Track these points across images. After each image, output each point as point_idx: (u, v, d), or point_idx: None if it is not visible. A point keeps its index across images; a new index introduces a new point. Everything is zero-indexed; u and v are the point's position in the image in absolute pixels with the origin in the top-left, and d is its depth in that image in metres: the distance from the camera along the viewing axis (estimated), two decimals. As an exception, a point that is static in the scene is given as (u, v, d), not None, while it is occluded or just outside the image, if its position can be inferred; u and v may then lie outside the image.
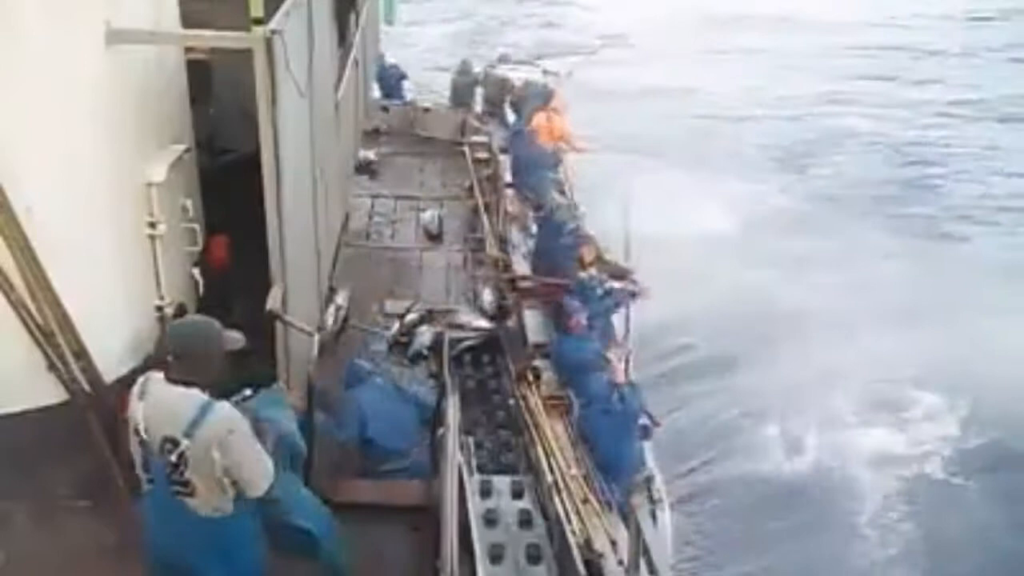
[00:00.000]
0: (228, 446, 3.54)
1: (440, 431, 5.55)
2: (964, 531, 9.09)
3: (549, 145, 11.39)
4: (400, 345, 7.78)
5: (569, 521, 5.54)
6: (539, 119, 11.96)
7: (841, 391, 10.83)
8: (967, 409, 10.50)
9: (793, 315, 11.53)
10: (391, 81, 13.84)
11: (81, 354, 4.74)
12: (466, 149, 11.66)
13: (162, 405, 3.59)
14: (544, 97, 12.62)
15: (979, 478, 9.79)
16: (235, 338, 3.80)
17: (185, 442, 3.51)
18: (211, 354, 3.67)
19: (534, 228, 9.59)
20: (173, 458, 3.53)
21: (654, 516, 6.02)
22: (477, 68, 14.01)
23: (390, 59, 14.10)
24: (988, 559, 8.76)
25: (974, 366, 10.59)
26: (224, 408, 3.59)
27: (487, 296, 8.52)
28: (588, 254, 8.46)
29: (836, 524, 9.31)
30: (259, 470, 3.67)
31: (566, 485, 5.89)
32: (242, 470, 3.61)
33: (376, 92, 13.33)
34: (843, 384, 10.87)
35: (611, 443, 6.55)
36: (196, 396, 3.57)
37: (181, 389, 3.59)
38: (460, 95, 13.66)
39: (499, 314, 8.29)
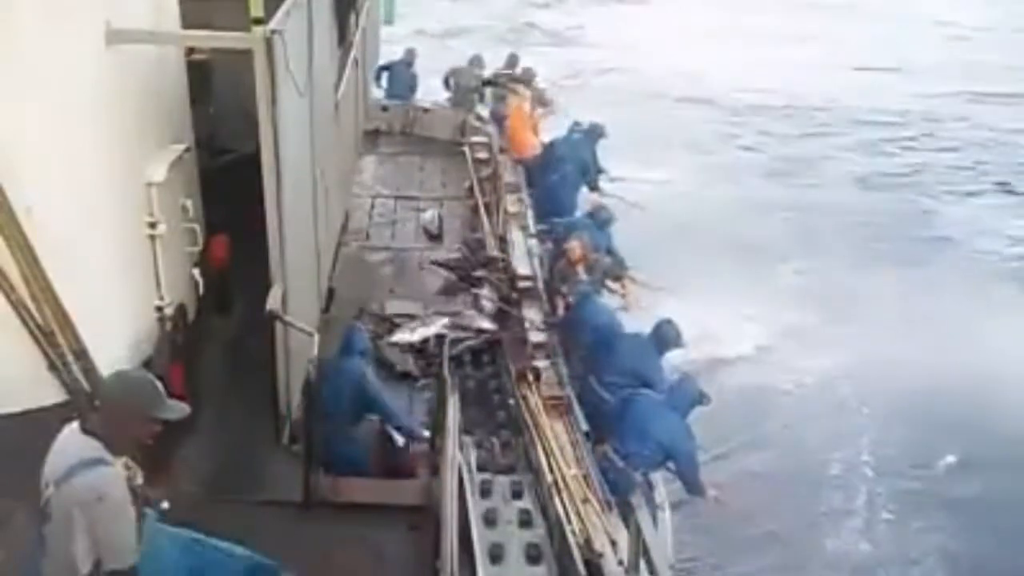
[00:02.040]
0: (95, 513, 3.18)
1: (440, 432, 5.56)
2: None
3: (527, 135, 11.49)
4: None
5: (569, 521, 5.54)
6: (516, 108, 12.04)
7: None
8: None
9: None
10: (402, 78, 13.66)
11: (81, 354, 4.74)
12: (466, 149, 11.65)
13: (59, 446, 3.30)
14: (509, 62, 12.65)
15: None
16: (177, 408, 3.40)
17: (51, 490, 3.21)
18: (131, 414, 3.27)
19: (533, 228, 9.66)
20: (42, 503, 3.25)
21: (654, 516, 6.02)
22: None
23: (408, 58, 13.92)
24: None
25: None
26: (105, 472, 3.21)
27: (487, 296, 8.53)
28: (576, 250, 8.47)
29: (835, 525, 9.32)
30: (124, 543, 3.27)
31: (566, 485, 5.89)
32: (108, 538, 3.23)
33: (383, 90, 13.24)
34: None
35: (675, 427, 6.79)
36: (89, 448, 3.22)
37: (82, 437, 3.26)
38: (461, 82, 13.49)
39: (500, 314, 8.30)
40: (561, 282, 8.43)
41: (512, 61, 13.79)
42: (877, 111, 20.96)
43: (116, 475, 3.26)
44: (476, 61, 13.71)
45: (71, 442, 3.28)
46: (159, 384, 3.37)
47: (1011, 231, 15.55)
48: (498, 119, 12.57)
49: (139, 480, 3.47)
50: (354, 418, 6.05)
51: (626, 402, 6.99)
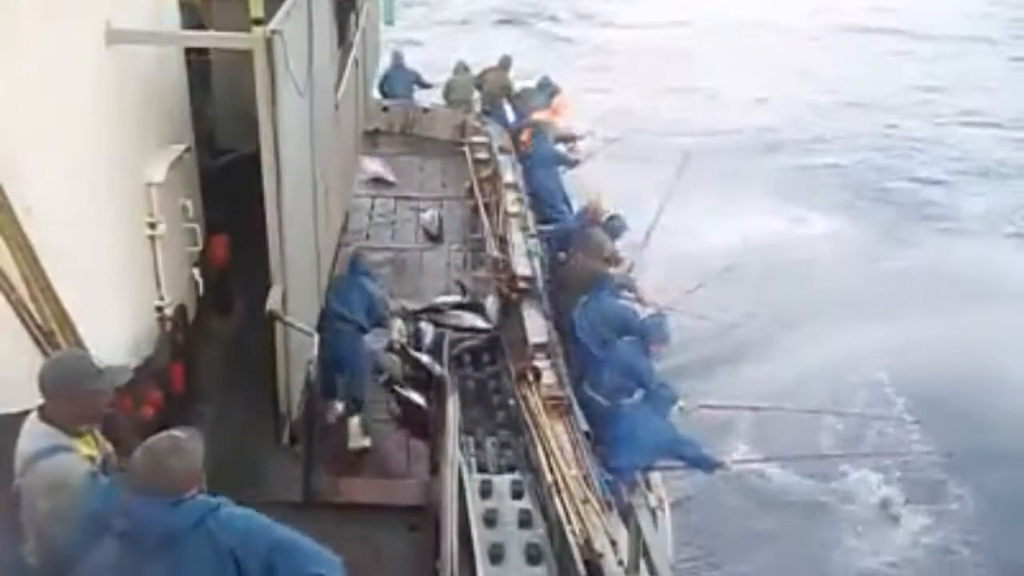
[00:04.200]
0: (57, 500, 3.19)
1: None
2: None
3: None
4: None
5: (569, 521, 5.54)
6: (540, 118, 12.00)
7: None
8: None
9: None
10: (400, 80, 13.69)
11: (81, 354, 4.73)
12: (466, 149, 11.66)
13: (23, 436, 3.35)
14: (547, 96, 12.63)
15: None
16: (115, 374, 3.47)
17: (19, 480, 3.26)
18: (73, 393, 3.32)
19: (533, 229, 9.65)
20: (14, 491, 3.29)
21: (654, 516, 6.02)
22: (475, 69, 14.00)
23: (407, 61, 14.03)
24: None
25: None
26: (63, 459, 3.25)
27: (488, 297, 8.53)
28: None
29: (834, 525, 9.32)
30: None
31: (566, 485, 5.89)
32: (72, 522, 3.14)
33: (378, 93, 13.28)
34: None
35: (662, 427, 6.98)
36: (46, 436, 3.28)
37: (42, 425, 3.32)
38: (457, 95, 13.59)
39: (500, 314, 8.30)
40: None
41: (505, 63, 13.81)
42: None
43: (74, 461, 3.29)
44: (462, 66, 13.86)
45: (32, 432, 3.34)
46: (90, 356, 3.50)
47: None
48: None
49: (109, 449, 3.51)
50: (359, 327, 6.92)
51: (613, 414, 7.07)
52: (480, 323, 8.19)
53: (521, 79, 13.96)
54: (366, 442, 6.63)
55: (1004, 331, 10.86)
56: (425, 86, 14.02)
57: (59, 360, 3.61)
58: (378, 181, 11.11)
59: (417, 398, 7.01)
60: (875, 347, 10.98)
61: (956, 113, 20.92)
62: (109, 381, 3.42)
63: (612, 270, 8.89)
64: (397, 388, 7.18)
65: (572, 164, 11.55)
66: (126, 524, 2.83)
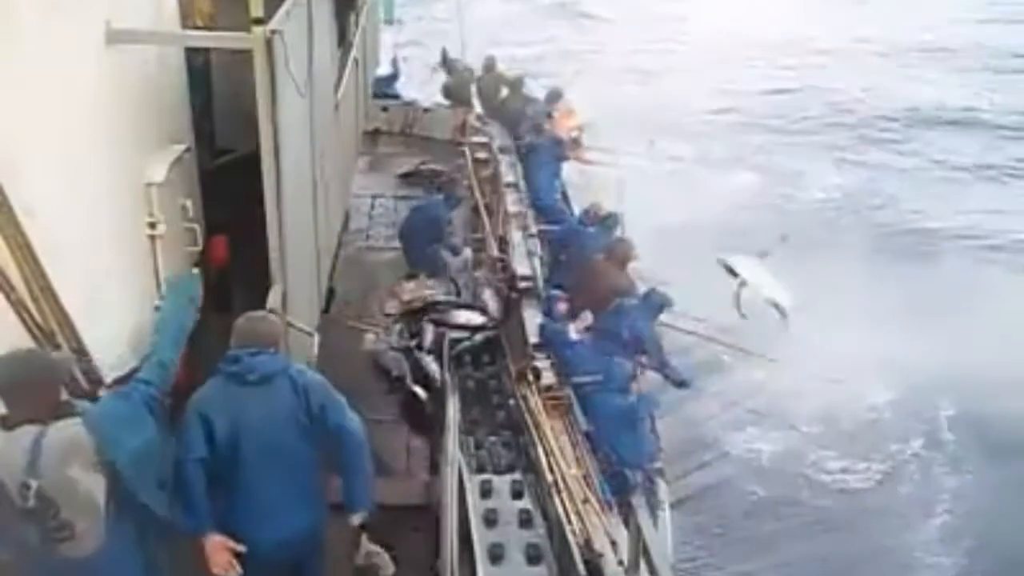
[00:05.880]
0: (88, 454, 3.39)
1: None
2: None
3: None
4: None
5: (569, 521, 5.54)
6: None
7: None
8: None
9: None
10: (385, 83, 13.80)
11: (81, 354, 4.73)
12: (466, 149, 11.66)
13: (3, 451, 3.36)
14: (549, 100, 12.61)
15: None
16: (66, 360, 3.93)
17: (35, 482, 3.30)
18: (42, 386, 3.46)
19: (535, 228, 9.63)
20: (32, 503, 3.31)
21: (654, 516, 6.03)
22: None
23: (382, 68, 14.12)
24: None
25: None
26: (57, 429, 3.38)
27: (488, 296, 8.52)
28: None
29: (835, 524, 9.32)
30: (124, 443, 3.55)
31: (566, 485, 5.89)
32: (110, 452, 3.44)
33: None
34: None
35: (623, 427, 6.90)
36: (25, 433, 3.34)
37: (11, 433, 3.35)
38: (457, 93, 13.59)
39: (500, 314, 8.30)
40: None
41: (490, 63, 13.79)
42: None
43: (69, 427, 3.43)
44: (456, 64, 13.95)
45: (9, 444, 3.35)
46: (37, 349, 3.76)
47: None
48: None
49: None
50: (426, 243, 8.90)
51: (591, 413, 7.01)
52: (479, 319, 8.18)
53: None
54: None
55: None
56: (395, 77, 14.06)
57: (23, 359, 3.61)
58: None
59: (420, 392, 7.02)
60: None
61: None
62: (64, 369, 3.67)
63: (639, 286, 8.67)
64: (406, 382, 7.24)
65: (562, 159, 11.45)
66: (235, 368, 4.04)
